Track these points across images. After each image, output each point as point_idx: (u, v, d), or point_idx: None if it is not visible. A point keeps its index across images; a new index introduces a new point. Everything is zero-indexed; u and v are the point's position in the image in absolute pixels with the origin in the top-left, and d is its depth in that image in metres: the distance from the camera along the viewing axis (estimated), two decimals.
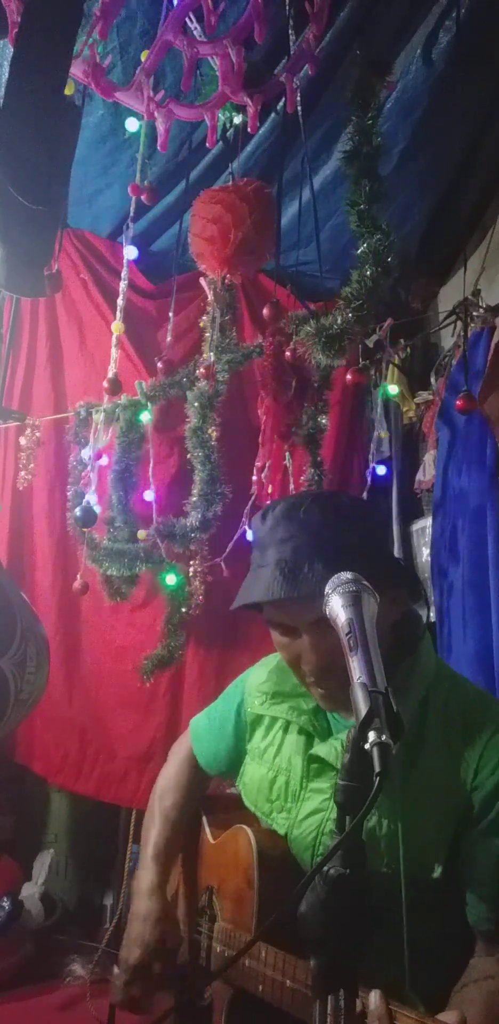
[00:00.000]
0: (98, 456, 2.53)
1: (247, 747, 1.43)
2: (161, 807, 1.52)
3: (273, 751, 1.35)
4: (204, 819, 1.52)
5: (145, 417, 2.56)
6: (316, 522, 1.18)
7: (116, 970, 1.38)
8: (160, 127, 1.96)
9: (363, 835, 1.13)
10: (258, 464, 2.30)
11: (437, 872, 1.15)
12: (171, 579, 2.51)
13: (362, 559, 1.13)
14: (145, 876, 1.44)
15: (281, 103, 2.03)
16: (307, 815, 1.26)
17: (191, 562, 2.51)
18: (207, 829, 1.50)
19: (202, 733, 1.55)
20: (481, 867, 1.15)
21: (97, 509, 2.44)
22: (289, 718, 1.34)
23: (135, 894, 1.44)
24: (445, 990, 1.10)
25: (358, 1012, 0.89)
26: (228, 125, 2.27)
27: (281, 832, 1.30)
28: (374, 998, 0.89)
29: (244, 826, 1.32)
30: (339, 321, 1.98)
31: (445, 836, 1.17)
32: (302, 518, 1.19)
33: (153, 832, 1.49)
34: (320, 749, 1.27)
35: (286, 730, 1.35)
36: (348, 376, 2.22)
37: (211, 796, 1.61)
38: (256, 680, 1.44)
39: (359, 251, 1.99)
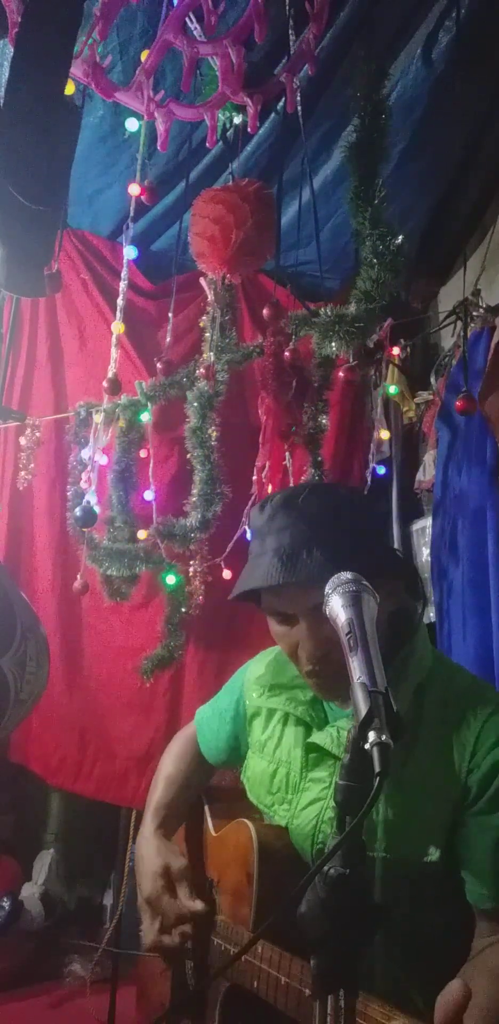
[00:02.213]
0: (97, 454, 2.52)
1: (249, 740, 1.45)
2: (164, 774, 1.56)
3: (273, 744, 1.37)
4: (207, 809, 1.53)
5: (145, 417, 2.56)
6: (314, 511, 1.20)
7: (144, 924, 1.39)
8: (160, 127, 1.96)
9: None
10: (258, 464, 2.30)
11: (435, 856, 1.16)
12: (171, 579, 2.51)
13: (360, 548, 1.15)
14: (144, 828, 1.48)
15: (281, 103, 2.03)
16: (306, 804, 1.27)
17: (191, 562, 2.51)
18: (209, 820, 1.51)
19: (205, 723, 1.58)
20: (479, 846, 1.15)
21: (97, 509, 2.44)
22: (287, 709, 1.35)
23: (137, 848, 1.48)
24: (445, 977, 1.10)
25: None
26: (228, 125, 2.27)
27: (282, 824, 1.31)
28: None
29: (246, 820, 1.33)
30: (358, 311, 1.99)
31: (442, 819, 1.17)
32: (300, 507, 1.20)
33: (155, 795, 1.53)
34: (318, 737, 1.28)
35: (285, 722, 1.36)
36: (340, 373, 2.23)
37: (214, 787, 1.62)
38: (254, 673, 1.46)
39: (366, 250, 1.99)
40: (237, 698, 1.48)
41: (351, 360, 2.19)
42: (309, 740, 1.30)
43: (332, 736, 1.26)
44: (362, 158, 2.00)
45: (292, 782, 1.31)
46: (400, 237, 1.97)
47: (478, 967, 1.07)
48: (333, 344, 2.05)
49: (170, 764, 1.58)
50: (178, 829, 1.55)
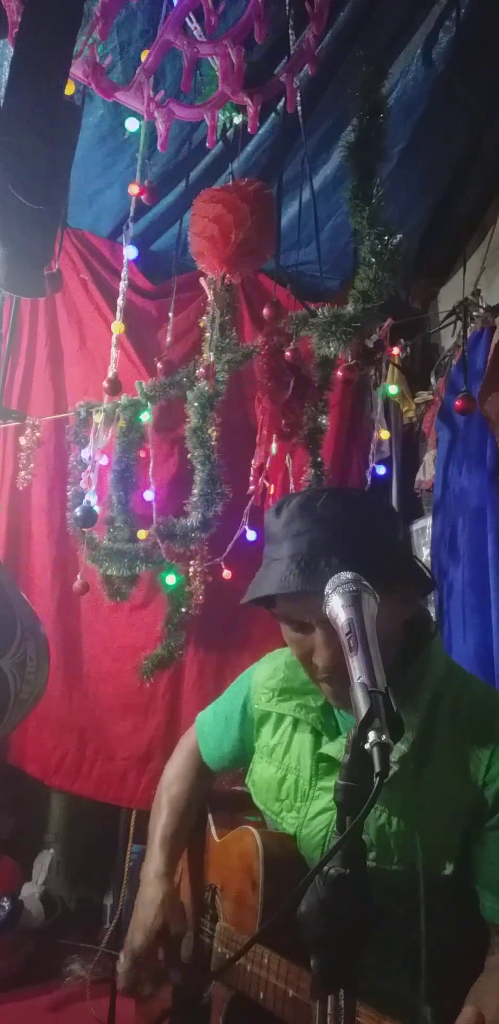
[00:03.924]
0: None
1: (255, 745, 1.43)
2: (168, 796, 1.53)
3: (282, 750, 1.35)
4: (210, 816, 1.52)
5: (145, 417, 2.56)
6: (333, 517, 1.18)
7: (121, 957, 1.38)
8: (160, 127, 1.95)
9: (373, 833, 1.13)
10: (255, 464, 2.29)
11: (449, 870, 1.15)
12: (171, 579, 2.51)
13: (378, 556, 1.14)
14: (151, 863, 1.45)
15: (281, 103, 2.03)
16: (316, 814, 1.26)
17: (191, 562, 2.51)
18: (212, 827, 1.50)
19: (207, 729, 1.55)
20: (494, 862, 1.14)
21: (97, 509, 2.44)
22: (297, 716, 1.33)
23: (141, 881, 1.45)
24: (456, 989, 1.09)
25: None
26: (228, 125, 2.27)
27: (291, 831, 1.29)
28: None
29: (250, 828, 1.32)
30: (356, 311, 1.99)
31: (456, 833, 1.16)
32: (319, 512, 1.18)
33: (160, 821, 1.50)
34: (329, 748, 1.27)
35: (294, 728, 1.35)
36: (339, 373, 2.23)
37: (217, 793, 1.61)
38: (263, 676, 1.44)
39: (364, 250, 1.99)
40: (243, 701, 1.46)
41: (350, 360, 2.19)
42: (320, 751, 1.28)
43: (344, 747, 1.24)
44: (361, 158, 2.00)
45: (301, 790, 1.29)
46: (398, 236, 1.97)
47: (491, 984, 1.07)
48: (331, 345, 2.05)
49: (173, 784, 1.55)
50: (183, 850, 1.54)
